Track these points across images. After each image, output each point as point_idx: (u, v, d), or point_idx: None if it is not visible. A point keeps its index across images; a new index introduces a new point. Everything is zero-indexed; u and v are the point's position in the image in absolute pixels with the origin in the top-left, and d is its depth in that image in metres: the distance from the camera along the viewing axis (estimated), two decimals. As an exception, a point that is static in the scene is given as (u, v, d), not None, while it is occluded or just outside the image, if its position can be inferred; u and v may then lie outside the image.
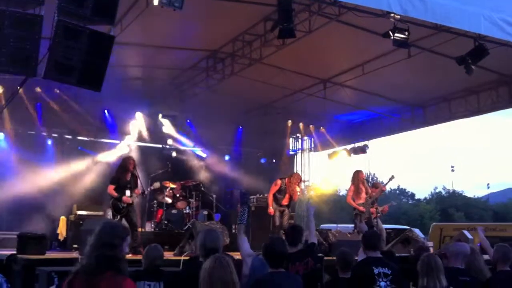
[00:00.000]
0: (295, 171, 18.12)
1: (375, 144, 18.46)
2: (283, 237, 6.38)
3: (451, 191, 63.11)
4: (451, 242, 11.74)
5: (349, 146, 17.81)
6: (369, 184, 13.52)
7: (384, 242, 11.91)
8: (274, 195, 12.35)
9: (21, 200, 13.03)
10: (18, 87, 9.87)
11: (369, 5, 8.31)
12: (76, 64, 6.22)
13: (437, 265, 4.98)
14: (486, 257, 6.64)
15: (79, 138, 15.19)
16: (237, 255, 6.94)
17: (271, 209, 12.24)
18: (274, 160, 18.42)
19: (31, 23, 6.07)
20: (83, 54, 6.23)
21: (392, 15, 8.82)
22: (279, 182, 12.44)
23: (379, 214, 12.14)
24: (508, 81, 13.05)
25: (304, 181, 19.18)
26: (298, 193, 12.63)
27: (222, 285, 3.68)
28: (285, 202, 12.33)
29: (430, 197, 65.29)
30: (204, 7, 9.82)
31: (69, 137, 15.14)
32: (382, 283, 5.53)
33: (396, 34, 9.45)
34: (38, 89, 13.49)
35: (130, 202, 10.58)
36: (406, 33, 9.49)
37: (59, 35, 6.07)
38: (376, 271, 5.58)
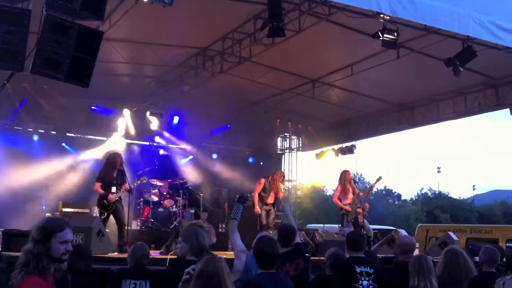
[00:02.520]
0: (281, 170, 18.19)
1: (362, 145, 18.54)
2: (271, 237, 6.34)
3: (437, 192, 63.57)
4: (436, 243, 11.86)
5: (336, 146, 17.88)
6: (356, 184, 13.52)
7: (370, 243, 11.94)
8: (259, 194, 12.34)
9: (6, 196, 12.92)
10: (5, 82, 9.74)
11: (359, 5, 8.33)
12: (64, 59, 6.15)
13: (428, 265, 4.98)
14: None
15: (67, 134, 15.07)
16: (224, 255, 6.93)
17: (257, 209, 12.24)
18: (261, 159, 18.39)
19: (19, 17, 5.99)
20: (71, 49, 6.16)
21: (381, 15, 8.84)
22: (263, 180, 12.44)
23: (365, 213, 12.17)
24: (495, 84, 13.13)
25: (289, 180, 19.25)
26: (283, 191, 12.62)
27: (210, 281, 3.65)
28: (270, 200, 12.34)
29: (416, 198, 65.75)
30: (194, 5, 9.78)
31: (55, 133, 15.03)
32: (365, 282, 5.56)
33: (385, 35, 9.47)
34: (25, 84, 13.37)
35: (114, 200, 10.49)
36: (395, 34, 9.52)
37: (47, 30, 6.00)
38: (358, 270, 5.62)
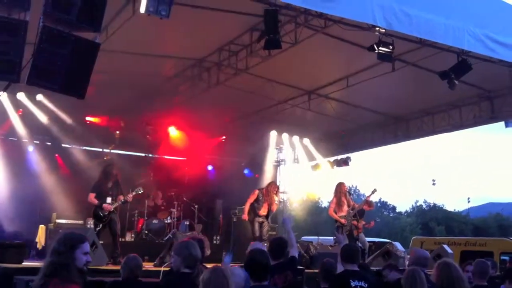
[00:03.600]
0: (276, 182, 18.19)
1: (358, 157, 18.56)
2: (263, 249, 6.32)
3: (432, 204, 63.64)
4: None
5: (332, 158, 17.89)
6: (352, 196, 13.56)
7: (365, 255, 11.94)
8: (252, 205, 12.30)
9: (0, 207, 12.85)
10: (1, 93, 9.75)
11: (355, 18, 8.38)
12: (60, 70, 6.14)
13: (421, 278, 4.98)
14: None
15: (62, 145, 15.02)
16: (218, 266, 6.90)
17: (245, 216, 12.20)
18: (257, 171, 18.35)
19: (16, 28, 5.99)
20: (67, 60, 6.16)
21: (377, 28, 8.88)
22: (256, 192, 12.40)
23: (360, 230, 12.18)
24: (490, 97, 13.19)
25: (284, 192, 19.24)
26: (277, 202, 12.56)
27: None
28: (263, 212, 12.27)
29: (411, 210, 65.85)
30: (191, 16, 9.81)
31: (50, 144, 14.98)
32: None
33: (380, 48, 9.51)
34: (21, 95, 13.35)
35: (111, 209, 10.49)
36: (391, 47, 9.56)
37: (44, 41, 6.00)
38: (353, 284, 5.59)
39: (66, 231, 3.99)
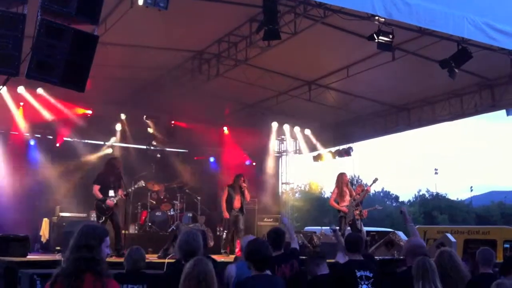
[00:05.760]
0: (279, 173, 18.35)
1: (359, 147, 18.56)
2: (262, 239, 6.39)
3: (434, 193, 63.64)
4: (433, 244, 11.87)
5: (333, 149, 17.88)
6: (353, 186, 13.59)
7: (367, 245, 11.98)
8: (226, 201, 12.59)
9: (3, 201, 12.89)
10: (1, 87, 9.76)
11: (354, 8, 8.36)
12: (59, 63, 6.14)
13: (432, 268, 4.93)
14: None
15: (64, 139, 15.02)
16: (221, 258, 6.96)
17: (226, 214, 12.49)
18: (258, 162, 18.37)
19: (14, 21, 5.99)
20: (66, 53, 6.15)
21: (376, 18, 8.87)
22: (226, 188, 12.83)
23: (362, 217, 12.24)
24: (490, 85, 13.16)
25: (287, 183, 19.33)
26: (247, 190, 12.74)
27: (199, 282, 3.74)
28: (237, 205, 12.60)
29: (414, 199, 65.85)
30: (190, 8, 9.77)
31: (52, 137, 14.99)
32: (364, 286, 5.58)
33: (380, 37, 9.49)
34: (21, 89, 13.35)
35: (113, 205, 10.53)
36: (391, 36, 9.54)
37: (42, 34, 6.00)
38: (358, 274, 5.63)
39: (85, 223, 3.90)
